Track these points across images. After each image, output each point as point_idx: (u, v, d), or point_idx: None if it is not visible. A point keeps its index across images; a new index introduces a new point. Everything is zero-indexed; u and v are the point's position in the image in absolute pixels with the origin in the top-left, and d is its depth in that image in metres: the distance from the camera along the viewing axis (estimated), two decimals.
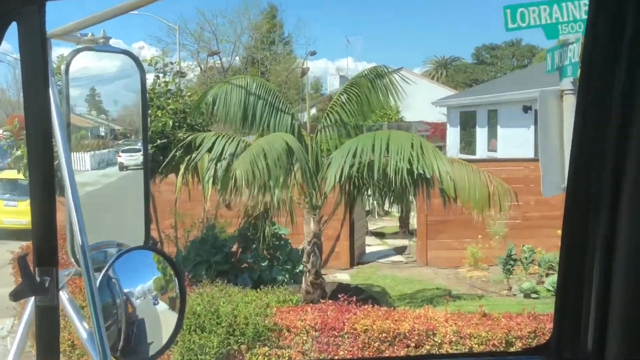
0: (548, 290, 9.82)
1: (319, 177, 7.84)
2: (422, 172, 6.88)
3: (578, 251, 1.30)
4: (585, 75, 1.22)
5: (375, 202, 8.75)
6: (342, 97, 8.41)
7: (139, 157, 1.49)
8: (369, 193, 8.30)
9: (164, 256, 1.40)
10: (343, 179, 7.33)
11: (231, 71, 34.06)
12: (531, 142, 17.45)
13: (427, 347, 5.78)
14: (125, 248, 1.37)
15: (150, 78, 9.16)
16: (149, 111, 8.41)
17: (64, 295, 1.33)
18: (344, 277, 11.23)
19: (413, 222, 13.98)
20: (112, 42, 1.41)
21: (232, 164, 7.57)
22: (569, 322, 1.34)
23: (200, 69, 35.17)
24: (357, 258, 12.29)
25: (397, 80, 8.46)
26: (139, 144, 1.53)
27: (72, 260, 1.32)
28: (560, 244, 1.34)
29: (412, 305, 8.12)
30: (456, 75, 57.11)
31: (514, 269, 10.42)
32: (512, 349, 5.60)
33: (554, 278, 9.74)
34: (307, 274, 8.15)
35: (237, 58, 35.74)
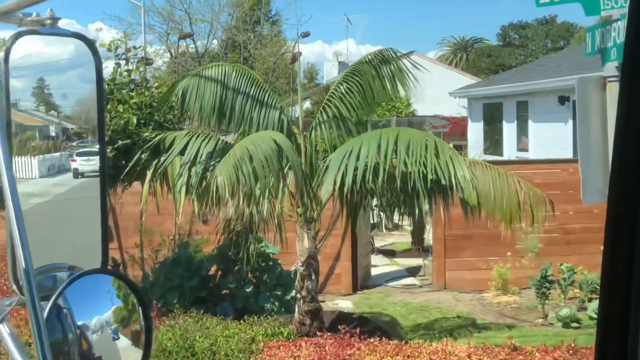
0: (591, 318, 9.82)
1: (314, 184, 7.85)
2: (437, 178, 6.89)
3: (623, 271, 1.30)
4: (629, 58, 1.22)
5: (382, 213, 8.76)
6: (341, 87, 8.43)
7: (96, 162, 1.49)
8: (375, 203, 8.31)
9: (126, 281, 1.40)
10: (345, 186, 7.33)
11: (207, 57, 34.08)
12: (569, 139, 17.49)
13: None
14: (79, 272, 1.37)
15: (109, 66, 9.17)
16: (108, 106, 8.41)
17: (4, 330, 1.33)
18: (345, 304, 11.23)
19: (428, 237, 13.99)
20: (62, 23, 1.41)
21: (209, 168, 7.57)
22: (614, 356, 1.34)
23: (170, 54, 35.20)
24: (361, 281, 12.29)
25: (407, 66, 8.48)
26: (97, 146, 1.53)
27: (14, 287, 1.32)
28: (602, 261, 1.34)
29: (428, 338, 8.12)
30: (478, 60, 57.28)
31: (550, 293, 10.42)
32: None
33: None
34: (301, 301, 8.15)
35: (214, 41, 35.80)
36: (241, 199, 6.69)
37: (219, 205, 6.67)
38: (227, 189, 6.44)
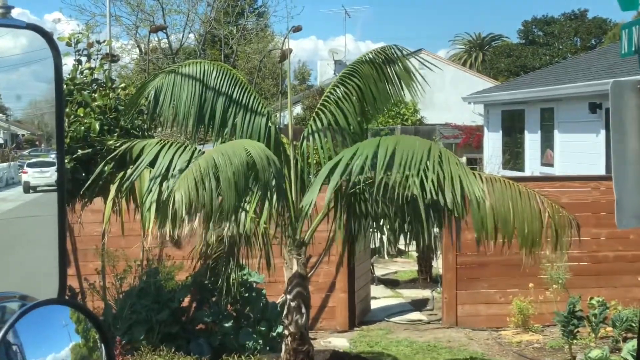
0: None
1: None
2: (440, 197, 6.85)
3: None
4: None
5: (384, 237, 8.74)
6: (337, 90, 8.43)
7: (51, 174, 1.48)
8: (375, 224, 8.30)
9: (85, 313, 1.39)
10: (339, 201, 7.32)
11: (183, 54, 34.09)
12: (601, 153, 17.55)
13: None
14: (32, 302, 1.36)
15: (68, 63, 9.17)
16: (67, 109, 8.40)
17: None
18: (340, 342, 11.19)
19: (437, 265, 13.98)
20: (15, 13, 1.41)
21: None
22: None
23: (140, 50, 35.18)
24: (359, 316, 12.27)
25: (414, 66, 8.50)
26: (52, 156, 1.52)
27: None
28: None
29: None
30: (497, 60, 57.57)
31: (578, 331, 10.42)
32: None
33: (634, 343, 9.73)
34: (289, 338, 8.12)
35: (191, 36, 35.79)
36: (201, 217, 6.62)
37: (178, 224, 6.60)
38: (184, 206, 6.39)
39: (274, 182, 7.16)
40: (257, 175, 6.91)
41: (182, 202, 6.35)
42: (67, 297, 1.48)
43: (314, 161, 8.47)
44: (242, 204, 6.91)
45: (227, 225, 7.00)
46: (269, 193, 7.27)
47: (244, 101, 8.19)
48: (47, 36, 1.46)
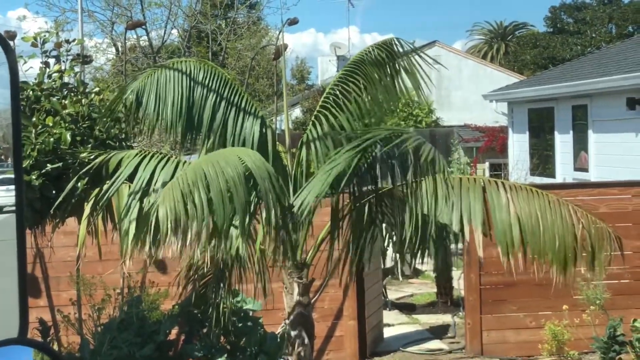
0: None
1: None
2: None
3: None
4: None
5: (397, 255, 8.74)
6: (337, 89, 8.43)
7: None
8: (387, 240, 8.29)
9: (51, 354, 1.38)
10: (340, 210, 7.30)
11: (165, 52, 34.19)
12: None
13: None
14: None
15: (34, 66, 9.16)
16: (34, 119, 8.39)
17: None
18: None
19: (459, 285, 13.96)
20: None
21: None
22: None
23: (117, 49, 35.28)
24: (370, 346, 12.26)
25: (428, 61, 8.50)
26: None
27: None
28: None
29: None
30: (521, 51, 57.68)
31: (620, 358, 10.40)
32: None
33: None
34: None
35: (174, 32, 35.90)
36: (192, 236, 6.60)
37: (162, 245, 6.58)
38: (169, 224, 6.37)
39: (273, 195, 7.14)
40: (256, 186, 6.91)
41: (166, 218, 6.33)
42: (30, 337, 1.47)
43: (315, 169, 8.46)
44: (242, 220, 6.88)
45: (222, 244, 6.97)
46: (267, 207, 7.25)
47: (235, 103, 8.19)
48: (1, 38, 1.45)
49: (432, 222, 7.32)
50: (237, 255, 7.31)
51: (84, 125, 8.80)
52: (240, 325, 9.17)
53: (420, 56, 8.49)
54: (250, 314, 9.34)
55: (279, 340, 8.94)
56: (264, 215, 7.64)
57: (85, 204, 8.07)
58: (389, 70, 8.45)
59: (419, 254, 7.95)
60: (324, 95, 8.59)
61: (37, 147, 8.38)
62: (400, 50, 8.51)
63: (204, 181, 6.63)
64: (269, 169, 7.11)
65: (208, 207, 6.56)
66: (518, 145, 24.82)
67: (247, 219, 7.04)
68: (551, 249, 7.24)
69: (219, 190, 6.61)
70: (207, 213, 6.57)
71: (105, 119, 8.62)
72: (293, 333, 8.06)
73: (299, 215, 7.28)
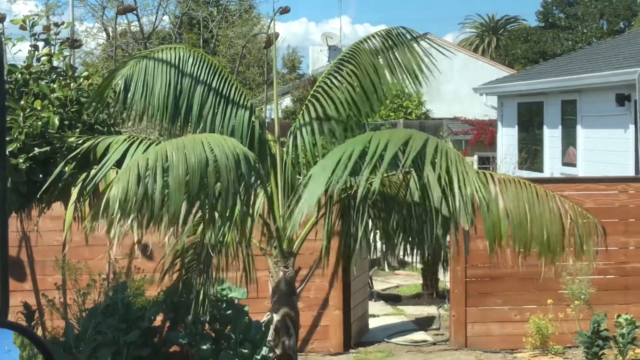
0: None
1: (293, 207, 7.81)
2: (430, 199, 6.84)
3: None
4: None
5: (383, 246, 8.74)
6: (331, 79, 8.43)
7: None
8: (372, 231, 8.29)
9: (31, 338, 1.38)
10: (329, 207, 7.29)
11: (156, 38, 34.12)
12: (630, 151, 17.58)
13: None
14: None
15: (23, 49, 9.13)
16: (22, 102, 8.38)
17: None
18: None
19: (445, 278, 13.98)
20: None
21: None
22: None
23: (107, 34, 35.22)
24: (355, 336, 12.27)
25: (419, 52, 8.50)
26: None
27: None
28: None
29: None
30: (512, 45, 57.73)
31: (603, 353, 10.43)
32: None
33: None
34: None
35: (165, 18, 35.85)
36: (139, 220, 6.56)
37: (112, 223, 6.55)
38: (117, 204, 6.33)
39: (237, 185, 7.07)
40: (220, 177, 6.80)
41: (116, 197, 6.31)
42: (10, 320, 1.46)
43: (305, 160, 8.45)
44: (203, 207, 6.83)
45: (181, 231, 6.94)
46: (239, 198, 7.16)
47: (224, 91, 8.17)
48: None
49: (420, 213, 7.31)
50: (217, 243, 7.30)
51: (72, 110, 8.77)
52: (225, 313, 9.18)
53: (427, 42, 8.50)
54: (236, 302, 9.34)
55: (263, 328, 8.94)
56: (257, 204, 7.66)
57: (73, 188, 8.05)
58: (385, 59, 8.44)
59: (408, 246, 7.98)
60: (317, 84, 8.58)
61: (25, 130, 8.35)
62: (403, 37, 8.52)
63: (164, 165, 6.54)
64: (250, 156, 7.01)
65: (161, 192, 6.47)
66: (507, 139, 24.88)
67: (207, 207, 6.96)
68: (538, 240, 7.24)
69: (176, 176, 6.52)
70: (160, 198, 6.48)
71: (93, 104, 8.60)
72: (278, 322, 8.05)
73: (300, 215, 7.26)
